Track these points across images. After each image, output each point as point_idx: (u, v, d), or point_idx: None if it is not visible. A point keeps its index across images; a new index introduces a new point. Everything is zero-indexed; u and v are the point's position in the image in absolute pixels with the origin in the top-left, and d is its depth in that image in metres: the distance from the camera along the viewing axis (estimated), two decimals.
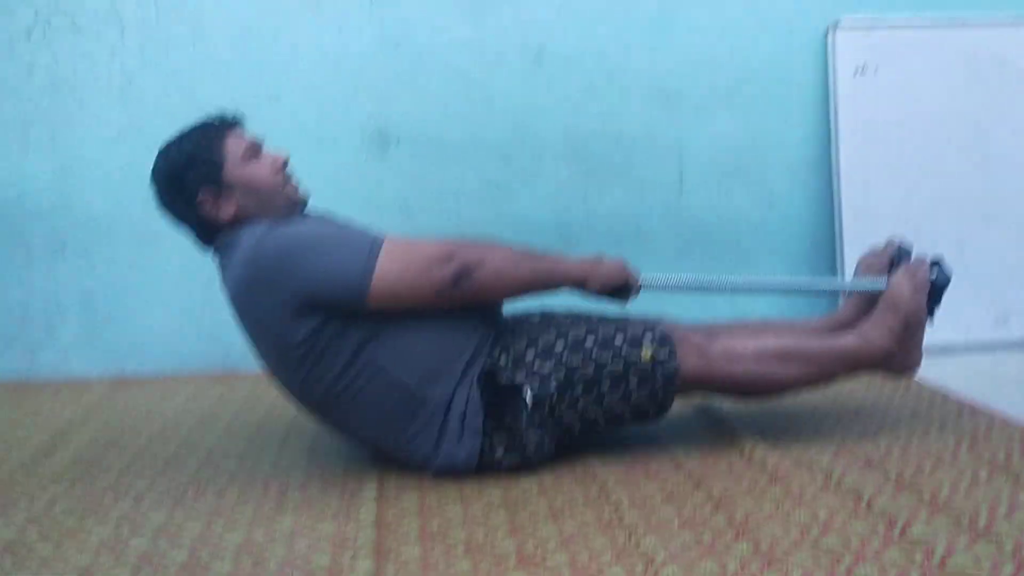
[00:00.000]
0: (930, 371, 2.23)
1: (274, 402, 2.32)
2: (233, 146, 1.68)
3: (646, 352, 1.66)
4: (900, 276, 1.80)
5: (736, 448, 1.75)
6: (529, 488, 1.59)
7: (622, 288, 1.74)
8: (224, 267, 1.66)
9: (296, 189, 1.74)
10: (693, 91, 2.83)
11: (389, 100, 2.74)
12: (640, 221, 2.84)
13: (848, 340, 1.77)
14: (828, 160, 2.84)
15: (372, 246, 1.57)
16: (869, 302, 1.88)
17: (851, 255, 2.75)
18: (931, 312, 1.82)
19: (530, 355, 1.65)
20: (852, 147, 2.77)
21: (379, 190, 2.76)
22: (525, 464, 1.66)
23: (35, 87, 2.63)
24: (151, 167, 1.70)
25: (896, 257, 1.89)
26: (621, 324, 1.71)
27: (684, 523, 1.39)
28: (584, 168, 2.81)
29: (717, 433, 1.88)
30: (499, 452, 1.64)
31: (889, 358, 1.77)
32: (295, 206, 1.73)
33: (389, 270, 1.55)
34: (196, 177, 1.64)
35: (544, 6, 2.76)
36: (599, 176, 2.81)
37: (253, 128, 2.65)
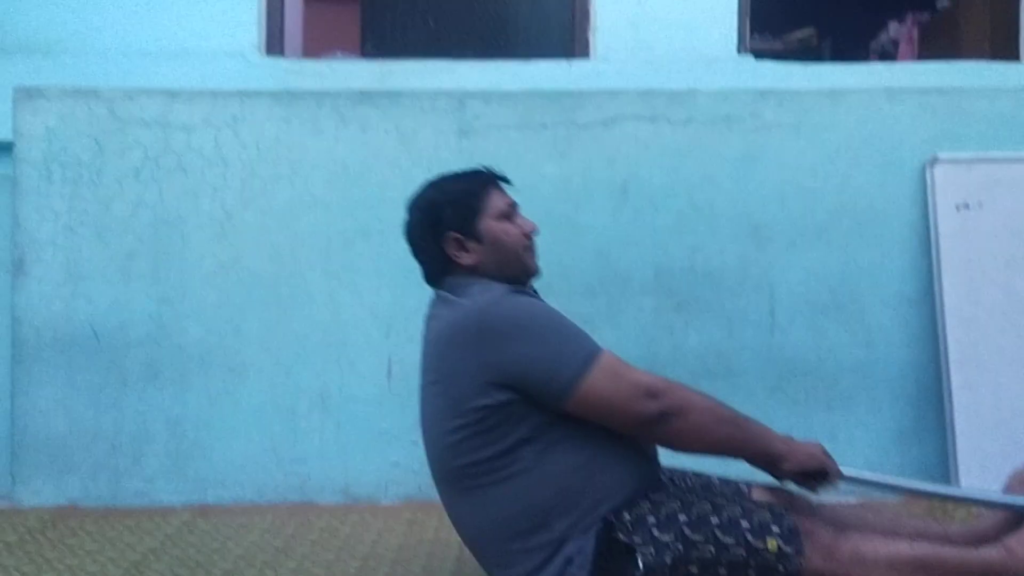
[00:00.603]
0: None
1: (348, 537, 2.27)
2: (495, 201, 1.74)
3: (772, 543, 1.54)
4: None
5: None
6: None
7: (817, 474, 1.66)
8: (445, 303, 1.68)
9: (534, 260, 1.78)
10: (784, 226, 2.77)
11: None
12: (730, 358, 2.74)
13: (991, 553, 1.61)
14: (931, 298, 2.71)
15: (591, 353, 1.57)
16: (1014, 518, 1.73)
17: (959, 398, 2.59)
18: None
19: (651, 519, 1.56)
20: (956, 284, 2.65)
21: None
22: None
23: (141, 222, 2.77)
24: (414, 195, 1.77)
25: None
26: (748, 506, 1.61)
27: None
28: (672, 303, 2.75)
29: None
30: None
31: None
32: (529, 274, 1.77)
33: (598, 383, 1.55)
34: (453, 217, 1.70)
35: (629, 143, 2.79)
36: (687, 311, 2.75)
37: (344, 261, 2.76)
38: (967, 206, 2.68)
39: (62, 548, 2.21)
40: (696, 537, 1.54)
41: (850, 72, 2.94)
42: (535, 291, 1.80)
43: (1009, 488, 1.81)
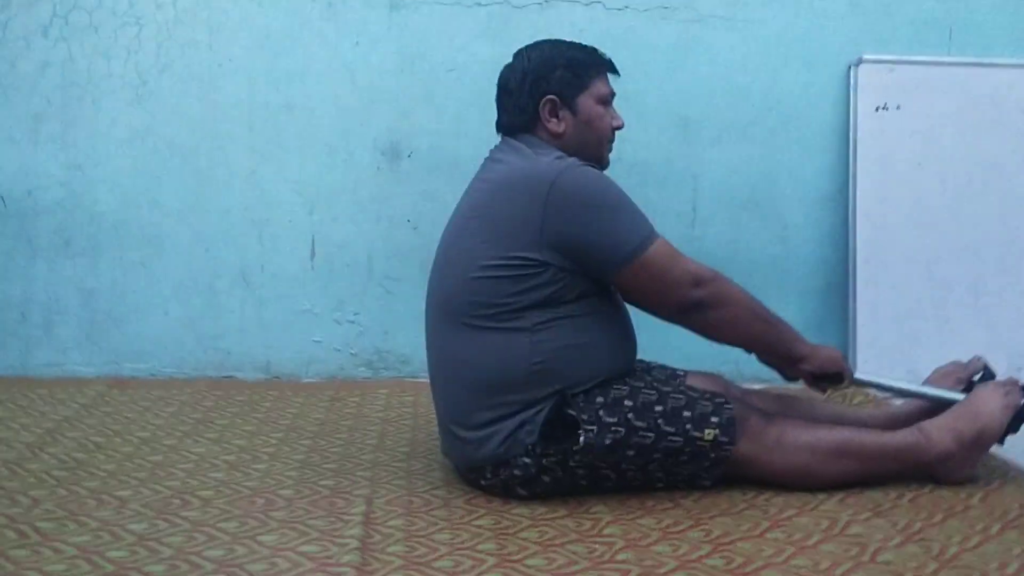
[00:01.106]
0: None
1: (269, 411, 2.29)
2: (601, 84, 1.76)
3: (709, 434, 1.62)
4: (991, 389, 1.76)
5: (738, 487, 1.70)
6: (520, 517, 1.55)
7: (834, 377, 1.74)
8: (520, 153, 1.68)
9: (609, 152, 1.81)
10: (710, 121, 2.80)
11: (404, 114, 2.73)
12: None
13: (907, 436, 1.71)
14: (845, 197, 2.80)
15: (650, 235, 1.61)
16: (929, 407, 1.85)
17: (863, 294, 2.71)
18: (1004, 436, 1.75)
19: (600, 400, 1.62)
20: (870, 184, 2.73)
21: (389, 203, 2.74)
22: (530, 488, 1.62)
23: (49, 83, 2.62)
24: (528, 46, 1.78)
25: (983, 376, 1.87)
26: (692, 397, 1.66)
27: (680, 564, 1.35)
28: None
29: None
30: (516, 472, 1.60)
31: (945, 462, 1.70)
32: (601, 167, 1.76)
33: (652, 264, 1.60)
34: (560, 81, 1.71)
35: (564, 26, 2.74)
36: None
37: (267, 134, 2.68)
38: (886, 107, 2.75)
39: None
40: (639, 423, 1.60)
41: None
42: None
43: (930, 380, 1.93)
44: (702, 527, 1.50)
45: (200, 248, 2.70)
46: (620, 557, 1.37)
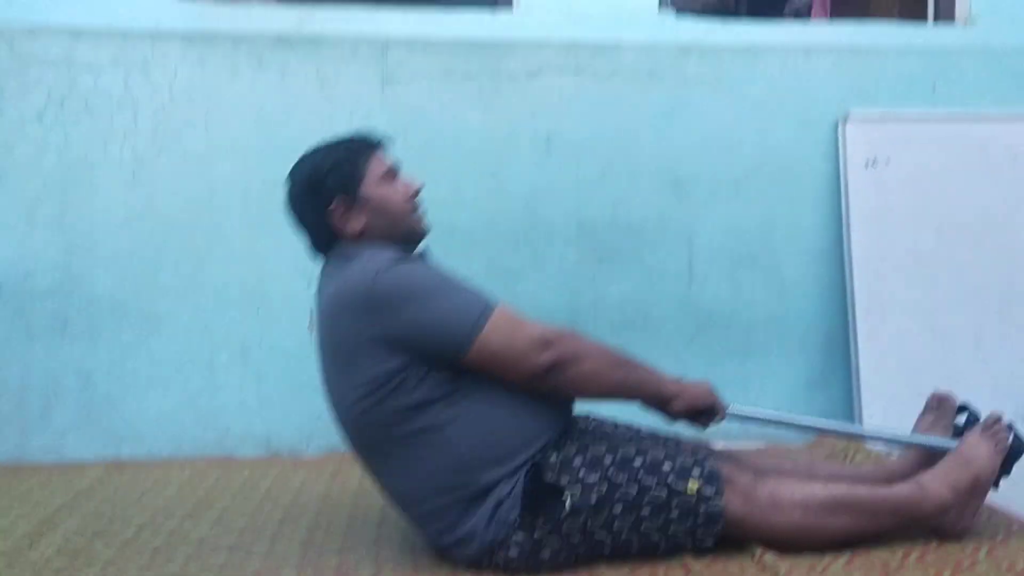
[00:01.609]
0: None
1: (270, 489, 2.25)
2: (375, 165, 1.73)
3: (692, 485, 1.60)
4: (978, 435, 1.75)
5: (747, 552, 1.66)
6: None
7: (706, 412, 1.71)
8: (331, 276, 1.67)
9: (421, 219, 1.78)
10: (703, 180, 2.83)
11: None
12: (649, 308, 2.80)
13: (904, 490, 1.69)
14: (840, 250, 2.81)
15: (484, 310, 1.58)
16: (925, 458, 1.83)
17: (865, 348, 2.70)
18: (998, 479, 1.75)
19: (578, 461, 1.60)
20: (865, 237, 2.75)
21: None
22: (531, 571, 1.59)
23: (46, 167, 2.64)
24: (293, 167, 1.75)
25: (967, 420, 1.86)
26: (672, 450, 1.66)
27: None
28: (594, 254, 2.79)
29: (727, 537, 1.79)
30: (512, 553, 1.57)
31: (944, 513, 1.68)
32: (417, 235, 1.76)
33: (492, 339, 1.56)
34: (335, 185, 1.68)
35: (554, 95, 2.79)
36: (609, 262, 2.79)
37: (264, 210, 2.70)
38: (875, 162, 2.78)
39: None
40: (620, 479, 1.58)
41: (768, 30, 2.99)
42: (426, 253, 1.80)
43: (917, 429, 1.91)
44: None
45: (199, 326, 2.69)
46: None
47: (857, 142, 2.79)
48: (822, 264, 2.84)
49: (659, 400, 1.69)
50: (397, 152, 2.73)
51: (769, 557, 1.61)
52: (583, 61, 2.81)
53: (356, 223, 1.69)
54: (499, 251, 2.77)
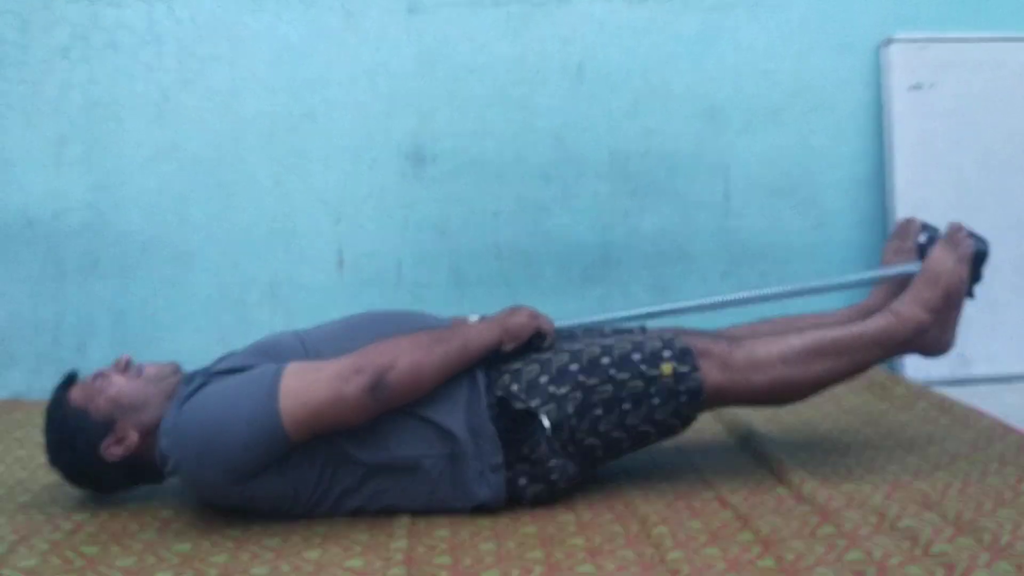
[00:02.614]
0: (988, 401, 2.11)
1: None
2: (82, 394, 1.58)
3: (666, 368, 1.58)
4: (940, 248, 1.69)
5: (784, 484, 1.65)
6: (566, 523, 1.51)
7: (535, 338, 1.66)
8: (172, 470, 1.52)
9: (154, 371, 1.62)
10: (739, 108, 2.75)
11: (427, 117, 2.70)
12: (684, 241, 2.75)
13: (878, 321, 1.66)
14: (882, 179, 2.74)
15: (271, 382, 1.45)
16: (898, 288, 1.78)
17: None
18: (970, 288, 1.72)
19: (544, 379, 1.58)
20: (907, 166, 2.67)
21: (415, 208, 2.72)
22: (552, 493, 1.59)
23: (72, 105, 2.63)
24: (49, 457, 1.60)
25: (928, 236, 1.80)
26: (637, 340, 1.64)
27: (731, 564, 1.31)
28: (626, 187, 2.73)
29: (764, 467, 1.78)
30: (523, 482, 1.57)
31: (922, 334, 1.66)
32: (169, 381, 1.61)
33: (294, 401, 1.43)
34: (89, 436, 1.55)
35: (585, 22, 2.71)
36: (642, 195, 2.74)
37: (290, 144, 2.67)
38: (919, 87, 2.68)
39: (9, 440, 2.17)
40: (592, 381, 1.57)
41: None
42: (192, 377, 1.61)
43: (884, 263, 1.86)
44: (751, 527, 1.45)
45: (228, 263, 2.69)
46: (670, 559, 1.33)
47: (899, 66, 2.69)
48: (862, 194, 2.77)
49: (492, 348, 1.61)
50: (424, 84, 2.70)
51: (807, 487, 1.60)
52: None
53: (133, 435, 1.55)
54: (529, 185, 2.72)
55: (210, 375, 1.55)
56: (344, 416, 1.47)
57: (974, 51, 2.69)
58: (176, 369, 1.66)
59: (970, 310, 2.61)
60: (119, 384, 1.58)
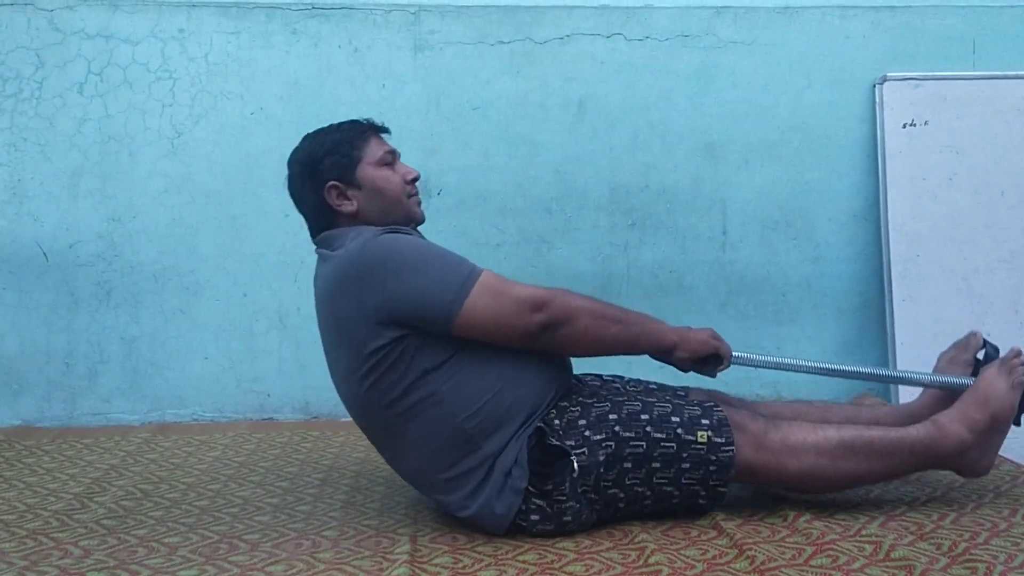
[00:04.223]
0: None
1: (311, 452, 2.31)
2: (374, 148, 1.73)
3: (702, 436, 1.60)
4: (995, 371, 1.70)
5: (779, 514, 1.68)
6: (565, 552, 1.54)
7: (711, 358, 1.71)
8: (324, 259, 1.68)
9: (418, 206, 1.77)
10: (737, 144, 2.81)
11: (432, 152, 2.77)
12: (683, 273, 2.80)
13: (920, 431, 1.66)
14: (876, 214, 2.79)
15: (470, 275, 1.57)
16: (945, 398, 1.79)
17: (900, 312, 2.68)
18: (1019, 416, 1.71)
19: (582, 423, 1.61)
20: (901, 200, 2.72)
21: None
22: (559, 533, 1.62)
23: (86, 139, 2.70)
24: (293, 150, 1.76)
25: (986, 354, 1.82)
26: (679, 403, 1.66)
27: None
28: (626, 220, 2.79)
29: (760, 497, 1.81)
30: (535, 518, 1.60)
31: (963, 453, 1.66)
32: (413, 221, 1.76)
33: (480, 303, 1.55)
34: (331, 167, 1.69)
35: (586, 60, 2.78)
36: (641, 228, 2.79)
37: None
38: (913, 124, 2.74)
39: (20, 467, 2.21)
40: (628, 434, 1.59)
41: None
42: (417, 232, 1.77)
43: (938, 369, 1.88)
44: (747, 555, 1.48)
45: (238, 293, 2.74)
46: None
47: (894, 104, 2.75)
48: (857, 228, 2.82)
49: (661, 350, 1.68)
50: (429, 120, 2.76)
51: (803, 519, 1.63)
52: (615, 24, 2.79)
53: (350, 205, 1.69)
54: (531, 218, 2.78)
55: None
56: (507, 336, 1.58)
57: (966, 89, 2.75)
58: (419, 223, 1.80)
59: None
60: (394, 179, 1.73)
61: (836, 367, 1.88)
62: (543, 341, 1.59)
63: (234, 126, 2.74)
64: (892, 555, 1.45)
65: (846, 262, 2.83)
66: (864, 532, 1.57)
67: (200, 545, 1.62)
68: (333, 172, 1.69)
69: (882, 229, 2.75)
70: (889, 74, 2.76)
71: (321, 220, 1.73)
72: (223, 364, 2.75)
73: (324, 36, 2.74)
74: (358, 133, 1.74)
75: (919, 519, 1.64)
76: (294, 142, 2.71)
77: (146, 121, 2.72)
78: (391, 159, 1.75)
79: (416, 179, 1.76)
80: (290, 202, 2.70)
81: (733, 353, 1.74)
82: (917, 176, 2.72)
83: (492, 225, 2.77)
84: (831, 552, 1.48)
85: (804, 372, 1.87)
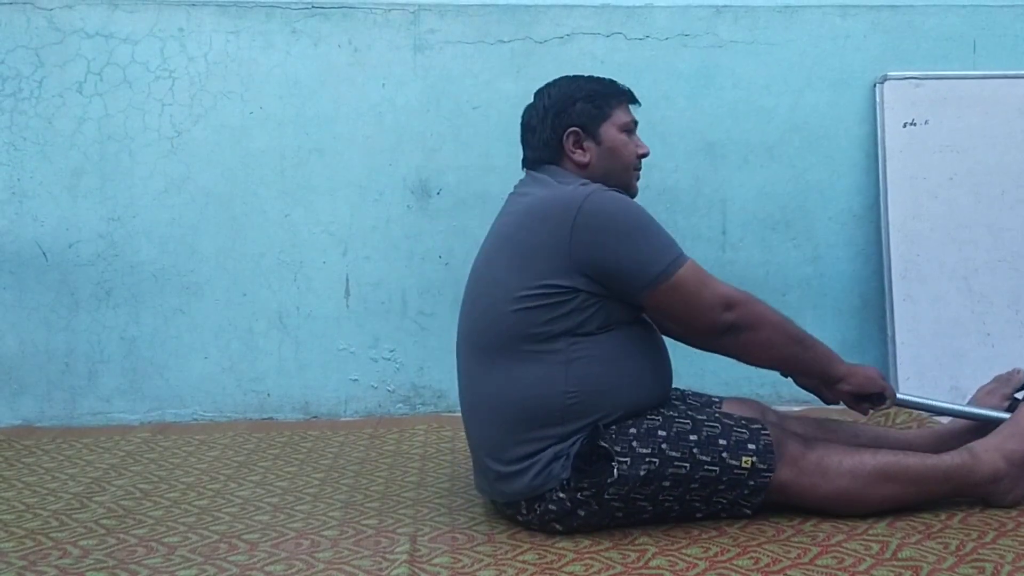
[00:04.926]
0: None
1: (310, 451, 2.31)
2: (622, 114, 1.76)
3: (746, 461, 1.60)
4: None
5: (784, 514, 1.68)
6: (565, 551, 1.54)
7: (874, 396, 1.72)
8: (542, 183, 1.68)
9: (637, 180, 1.80)
10: (737, 144, 2.81)
11: (432, 152, 2.77)
12: None
13: (956, 458, 1.67)
14: (876, 213, 2.79)
15: (679, 257, 1.59)
16: (978, 427, 1.80)
17: (900, 311, 2.68)
18: None
19: (633, 431, 1.60)
20: (902, 200, 2.72)
21: (420, 240, 2.77)
22: (565, 528, 1.62)
23: (86, 139, 2.69)
24: (548, 83, 1.79)
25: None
26: (728, 423, 1.65)
27: None
28: None
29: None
30: (551, 507, 1.60)
31: (996, 482, 1.67)
32: (628, 193, 1.75)
33: (682, 286, 1.58)
34: (581, 113, 1.72)
35: (586, 59, 2.77)
36: None
37: (299, 178, 2.73)
38: (913, 123, 2.74)
39: (19, 466, 2.21)
40: (673, 453, 1.58)
41: None
42: None
43: (975, 401, 1.89)
44: (750, 555, 1.48)
45: (237, 293, 2.74)
46: None
47: (894, 103, 2.75)
48: (857, 228, 2.82)
49: (827, 379, 1.70)
50: (429, 119, 2.76)
51: (808, 524, 1.62)
52: (615, 23, 2.79)
53: (584, 155, 1.71)
54: None
55: None
56: (692, 322, 1.62)
57: (967, 89, 2.75)
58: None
59: (965, 343, 2.67)
60: (629, 147, 1.75)
61: (986, 413, 1.84)
62: (723, 340, 1.63)
63: (234, 125, 2.73)
64: (899, 555, 1.45)
65: (846, 262, 2.83)
66: (871, 532, 1.57)
67: (199, 545, 1.62)
68: (580, 118, 1.71)
69: (882, 229, 2.75)
70: (889, 73, 2.76)
71: (544, 156, 1.75)
72: (223, 364, 2.74)
73: (324, 35, 2.74)
74: (615, 92, 1.77)
75: (927, 519, 1.63)
76: (294, 142, 2.75)
77: (146, 121, 2.71)
78: (632, 128, 1.77)
79: (646, 155, 1.79)
80: (289, 202, 2.74)
81: (897, 395, 1.75)
82: (917, 176, 2.72)
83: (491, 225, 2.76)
84: (837, 553, 1.48)
85: (964, 418, 1.86)
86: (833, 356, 1.71)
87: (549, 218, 1.59)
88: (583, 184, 1.63)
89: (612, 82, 1.79)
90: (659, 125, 2.80)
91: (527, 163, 1.80)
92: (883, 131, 2.74)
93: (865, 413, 1.78)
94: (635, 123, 1.79)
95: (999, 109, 2.74)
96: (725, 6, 2.81)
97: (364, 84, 2.75)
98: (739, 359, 1.70)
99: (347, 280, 2.77)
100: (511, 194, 1.77)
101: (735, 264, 2.81)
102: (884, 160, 2.74)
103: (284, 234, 2.75)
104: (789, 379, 1.77)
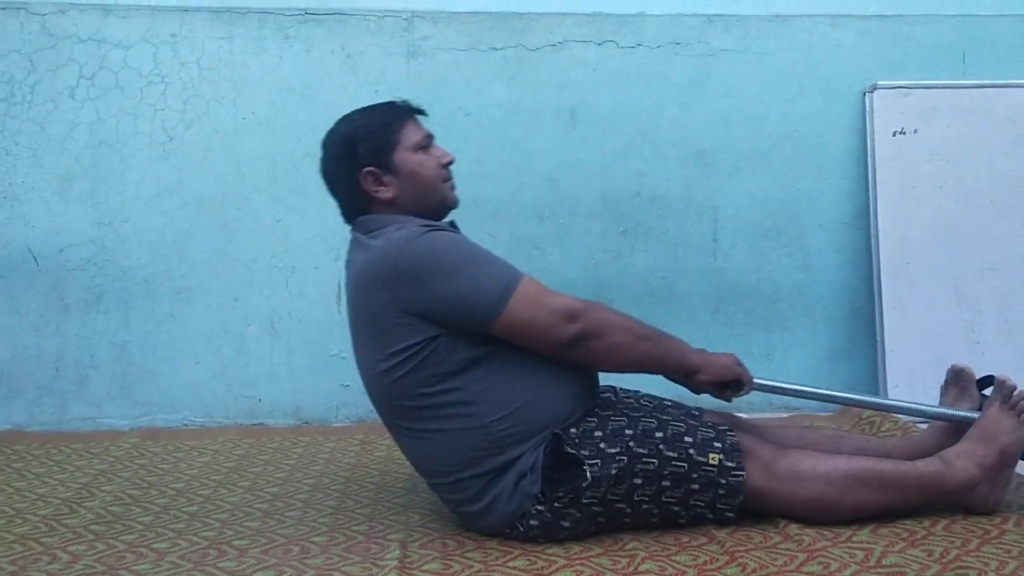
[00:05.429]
0: None
1: (301, 457, 2.31)
2: (410, 133, 1.70)
3: (714, 458, 1.61)
4: (997, 409, 1.72)
5: (771, 521, 1.68)
6: (555, 557, 1.55)
7: (732, 384, 1.72)
8: (360, 245, 1.66)
9: (452, 190, 1.75)
10: (728, 151, 2.82)
11: None
12: (674, 280, 2.81)
13: (930, 466, 1.68)
14: (866, 221, 2.80)
15: (510, 283, 1.57)
16: (953, 430, 1.81)
17: (890, 318, 2.70)
18: None
19: (598, 434, 1.61)
20: (891, 208, 2.73)
21: None
22: (551, 540, 1.62)
23: (78, 143, 2.69)
24: (328, 132, 1.72)
25: (982, 381, 1.84)
26: (693, 423, 1.67)
27: None
28: (618, 227, 2.80)
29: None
30: (532, 523, 1.60)
31: (972, 489, 1.67)
32: (448, 206, 1.75)
33: (518, 312, 1.55)
34: (367, 151, 1.66)
35: (579, 67, 2.79)
36: (633, 235, 2.80)
37: (291, 183, 2.73)
38: (903, 132, 2.76)
39: (9, 471, 2.20)
40: (641, 450, 1.59)
41: None
42: (454, 225, 1.77)
43: (943, 400, 1.90)
44: (738, 562, 1.49)
45: (229, 298, 2.74)
46: None
47: (884, 112, 2.76)
48: (847, 235, 2.84)
49: (684, 372, 1.69)
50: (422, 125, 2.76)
51: (794, 525, 1.63)
52: (607, 31, 2.80)
53: (388, 191, 1.67)
54: (523, 225, 2.79)
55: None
56: (540, 345, 1.59)
57: (956, 98, 2.77)
58: (453, 207, 1.78)
59: (954, 350, 2.68)
60: (430, 164, 1.70)
61: (851, 396, 1.90)
62: (574, 352, 1.60)
63: (226, 131, 2.73)
64: (883, 562, 1.46)
65: (836, 269, 2.84)
66: (855, 539, 1.58)
67: (189, 551, 1.62)
68: (369, 157, 1.66)
69: (872, 236, 2.76)
70: (879, 83, 2.78)
71: (354, 205, 1.71)
72: (214, 369, 2.74)
73: (317, 41, 2.75)
74: (395, 116, 1.71)
75: (910, 526, 1.64)
76: (286, 147, 2.75)
77: (138, 126, 2.71)
78: (427, 143, 1.72)
79: (451, 163, 1.74)
80: (281, 207, 2.74)
81: (754, 379, 1.75)
82: (907, 184, 2.74)
83: (484, 231, 2.77)
84: (823, 559, 1.48)
85: (820, 400, 1.88)
86: (685, 348, 1.69)
87: (372, 284, 1.59)
88: (398, 228, 1.60)
89: (391, 104, 1.74)
90: (651, 133, 2.81)
91: (344, 217, 1.76)
92: (873, 140, 2.76)
93: (728, 400, 1.76)
94: (429, 136, 1.73)
95: (988, 118, 2.76)
96: (717, 15, 2.83)
97: (357, 90, 2.75)
98: (597, 368, 1.70)
99: (339, 285, 2.77)
100: (345, 263, 1.74)
101: (726, 271, 2.82)
102: (874, 168, 2.75)
103: (276, 239, 2.75)
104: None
